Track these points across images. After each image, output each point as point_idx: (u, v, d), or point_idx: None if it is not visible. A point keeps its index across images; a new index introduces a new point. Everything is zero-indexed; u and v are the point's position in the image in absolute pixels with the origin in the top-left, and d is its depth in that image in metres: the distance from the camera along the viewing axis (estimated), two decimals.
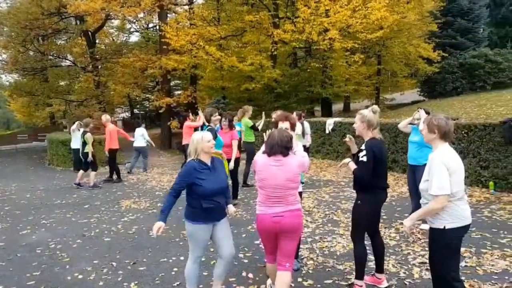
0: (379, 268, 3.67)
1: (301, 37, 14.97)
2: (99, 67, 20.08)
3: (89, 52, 19.32)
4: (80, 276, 4.25)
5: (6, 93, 30.75)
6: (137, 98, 27.31)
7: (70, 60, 23.15)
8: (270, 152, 3.16)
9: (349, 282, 3.74)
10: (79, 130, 11.25)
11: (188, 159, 3.33)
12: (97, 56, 19.82)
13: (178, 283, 3.96)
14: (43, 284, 4.08)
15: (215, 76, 18.12)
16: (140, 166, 11.74)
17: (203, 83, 19.97)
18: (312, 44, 16.22)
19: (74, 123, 11.77)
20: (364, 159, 3.33)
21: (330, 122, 11.22)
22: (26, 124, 37.48)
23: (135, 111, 36.05)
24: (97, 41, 21.59)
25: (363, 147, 3.41)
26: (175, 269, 4.32)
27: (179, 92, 24.68)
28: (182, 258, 4.61)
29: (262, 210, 3.21)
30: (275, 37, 15.26)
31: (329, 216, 6.03)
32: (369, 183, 3.39)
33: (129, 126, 32.21)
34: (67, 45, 22.20)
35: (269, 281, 3.65)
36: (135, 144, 11.38)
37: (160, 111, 17.72)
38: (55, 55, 22.16)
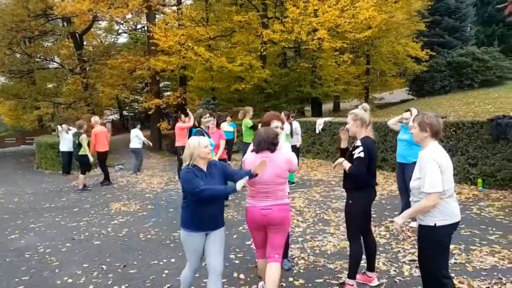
0: (370, 267, 3.69)
1: (290, 37, 15.02)
2: (87, 69, 19.86)
3: (77, 54, 19.08)
4: (69, 280, 4.20)
5: None
6: (126, 99, 27.14)
7: (57, 62, 22.87)
8: (257, 149, 3.32)
9: (340, 282, 3.76)
10: (67, 132, 11.13)
11: (184, 165, 3.17)
12: (85, 58, 19.59)
13: (169, 285, 3.94)
14: None
15: (205, 76, 18.05)
16: (130, 168, 11.66)
17: (192, 84, 19.90)
18: (301, 44, 16.28)
19: (61, 125, 11.62)
20: (362, 155, 3.32)
21: (320, 122, 11.27)
22: (14, 127, 36.93)
23: (124, 113, 35.77)
24: (84, 42, 21.37)
25: (358, 143, 3.39)
26: (166, 271, 4.29)
27: (168, 93, 24.55)
28: (173, 260, 4.59)
29: (252, 203, 3.35)
30: (264, 37, 15.27)
31: (320, 216, 6.05)
32: (363, 181, 3.42)
33: (118, 128, 32.09)
34: (54, 47, 21.90)
35: (261, 283, 3.69)
36: (130, 146, 11.29)
37: (149, 112, 17.60)
38: (42, 57, 21.88)
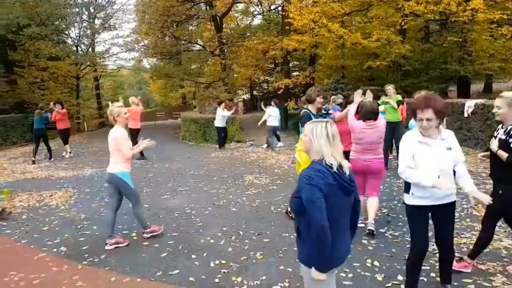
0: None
1: (437, 9, 13.35)
2: (226, 50, 21.26)
3: (217, 36, 20.57)
4: (211, 241, 4.61)
5: (147, 75, 35.21)
6: (257, 80, 28.35)
7: (200, 45, 25.06)
8: (364, 118, 4.49)
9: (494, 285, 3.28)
10: (223, 110, 12.26)
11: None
12: (224, 40, 20.98)
13: None
14: (181, 245, 4.53)
15: (336, 54, 17.51)
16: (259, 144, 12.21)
17: (322, 63, 19.55)
18: (449, 16, 14.34)
19: (219, 104, 12.69)
20: None
21: (470, 104, 9.85)
22: (162, 103, 42.37)
23: (254, 92, 37.55)
24: (223, 25, 22.86)
25: None
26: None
27: (295, 73, 24.74)
28: None
29: (357, 156, 4.57)
30: (406, 10, 13.91)
31: (467, 211, 5.35)
32: None
33: (248, 107, 33.83)
34: (198, 30, 24.04)
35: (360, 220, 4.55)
36: (268, 124, 11.81)
37: (279, 92, 18.00)
38: (187, 40, 24.24)
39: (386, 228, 4.79)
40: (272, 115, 11.75)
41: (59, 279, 3.76)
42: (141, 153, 10.76)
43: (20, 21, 16.87)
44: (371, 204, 4.55)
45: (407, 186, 2.97)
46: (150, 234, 4.77)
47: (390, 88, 8.15)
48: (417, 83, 15.31)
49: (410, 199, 2.96)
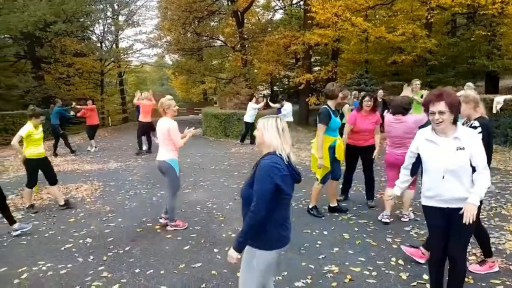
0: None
1: (464, 1, 12.93)
2: (247, 46, 21.24)
3: (238, 31, 20.57)
4: (233, 235, 4.62)
5: (169, 71, 35.61)
6: (278, 75, 28.23)
7: (221, 40, 25.14)
8: (394, 112, 4.68)
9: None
10: (254, 103, 12.32)
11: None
12: (245, 36, 20.96)
13: (323, 256, 3.95)
14: (203, 238, 4.57)
15: (359, 49, 17.21)
16: None
17: (345, 57, 19.28)
18: (477, 9, 13.87)
19: (251, 99, 12.74)
20: None
21: (499, 100, 9.51)
22: (184, 99, 42.78)
23: (274, 88, 37.41)
24: (245, 21, 22.82)
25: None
26: (319, 242, 4.31)
27: (317, 68, 24.52)
28: (325, 232, 4.60)
29: (390, 150, 4.81)
30: (432, 3, 13.53)
31: (496, 210, 5.18)
32: None
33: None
34: (219, 26, 24.11)
35: (384, 213, 4.87)
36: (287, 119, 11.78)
37: (300, 87, 17.87)
38: (208, 36, 24.35)
39: (411, 226, 4.70)
40: (287, 111, 11.66)
41: (85, 269, 3.86)
42: (149, 147, 11.09)
43: (47, 18, 17.32)
44: (406, 197, 4.80)
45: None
46: (173, 228, 4.89)
47: (418, 84, 8.03)
48: (443, 78, 14.93)
49: (422, 198, 2.89)
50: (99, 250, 4.35)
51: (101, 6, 24.91)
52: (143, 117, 10.72)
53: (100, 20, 25.62)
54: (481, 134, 3.10)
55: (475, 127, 3.21)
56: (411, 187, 4.72)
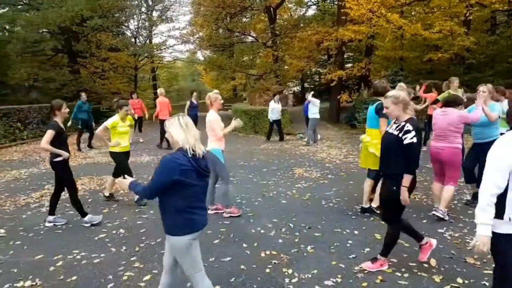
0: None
1: None
2: (278, 42, 21.14)
3: (270, 27, 20.50)
4: (262, 231, 4.63)
5: (201, 67, 36.05)
6: (308, 72, 27.95)
7: (253, 36, 25.14)
8: (443, 105, 4.84)
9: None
10: (278, 102, 12.25)
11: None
12: (277, 32, 20.87)
13: (353, 255, 3.88)
14: (232, 233, 4.60)
15: (394, 46, 16.75)
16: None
17: (379, 54, 18.82)
18: None
19: (273, 96, 12.68)
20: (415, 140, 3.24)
21: None
22: None
23: (305, 85, 37.09)
24: (277, 16, 22.71)
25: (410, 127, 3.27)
26: (350, 241, 4.24)
27: (348, 65, 24.08)
28: (356, 232, 4.52)
29: (432, 143, 4.84)
30: (472, 0, 12.96)
31: None
32: None
33: (298, 99, 33.54)
34: (251, 22, 24.11)
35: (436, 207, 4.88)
36: (311, 116, 11.52)
37: (332, 84, 17.60)
38: (240, 32, 24.41)
39: (445, 228, 4.54)
40: (315, 106, 11.37)
41: (118, 259, 3.97)
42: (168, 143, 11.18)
43: (84, 13, 17.91)
44: (445, 193, 4.72)
45: (501, 208, 2.21)
46: (228, 215, 5.13)
47: (456, 82, 7.83)
48: (480, 77, 14.27)
49: (504, 226, 2.22)
50: (131, 240, 4.47)
51: (136, 2, 25.52)
52: (164, 115, 10.97)
53: (134, 16, 26.23)
54: (415, 138, 3.18)
55: (408, 131, 3.22)
56: (453, 183, 4.69)
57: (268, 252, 4.02)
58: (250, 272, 3.60)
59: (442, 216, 4.72)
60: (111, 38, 22.22)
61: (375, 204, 5.06)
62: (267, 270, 3.62)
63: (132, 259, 3.97)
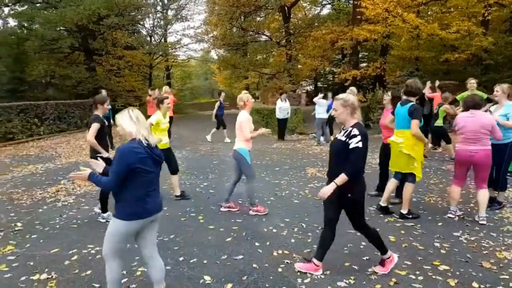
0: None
1: None
2: (292, 41, 21.08)
3: (284, 26, 20.47)
4: (274, 230, 4.63)
5: (214, 66, 36.20)
6: (322, 71, 27.80)
7: (266, 35, 25.16)
8: (467, 108, 4.77)
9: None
10: (285, 101, 12.20)
11: None
12: (291, 31, 20.81)
13: (367, 257, 3.85)
14: (244, 231, 4.61)
15: (410, 45, 16.52)
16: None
17: (394, 54, 18.59)
18: None
19: (280, 95, 12.65)
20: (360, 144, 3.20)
21: None
22: (227, 94, 43.32)
23: (319, 84, 36.88)
24: (291, 15, 22.64)
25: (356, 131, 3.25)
26: (363, 243, 4.19)
27: (363, 64, 23.87)
28: None
29: (462, 146, 4.76)
30: (490, 0, 12.70)
31: None
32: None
33: (311, 99, 33.39)
34: (265, 21, 24.10)
35: (452, 208, 4.98)
36: (317, 116, 11.47)
37: (346, 83, 17.48)
38: (254, 31, 24.42)
39: (461, 231, 4.47)
40: (321, 106, 11.30)
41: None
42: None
43: (101, 12, 18.15)
44: (481, 197, 4.71)
45: None
46: (255, 212, 5.19)
47: (473, 83, 7.73)
48: (498, 78, 13.98)
49: None
50: None
51: (152, 1, 25.76)
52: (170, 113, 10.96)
53: (150, 14, 26.49)
54: (361, 143, 3.15)
55: (354, 136, 3.20)
56: (485, 185, 4.73)
57: (280, 252, 4.01)
58: (262, 271, 3.60)
59: (484, 223, 4.68)
60: (126, 36, 22.48)
61: (404, 210, 4.94)
62: (280, 270, 3.62)
63: None
